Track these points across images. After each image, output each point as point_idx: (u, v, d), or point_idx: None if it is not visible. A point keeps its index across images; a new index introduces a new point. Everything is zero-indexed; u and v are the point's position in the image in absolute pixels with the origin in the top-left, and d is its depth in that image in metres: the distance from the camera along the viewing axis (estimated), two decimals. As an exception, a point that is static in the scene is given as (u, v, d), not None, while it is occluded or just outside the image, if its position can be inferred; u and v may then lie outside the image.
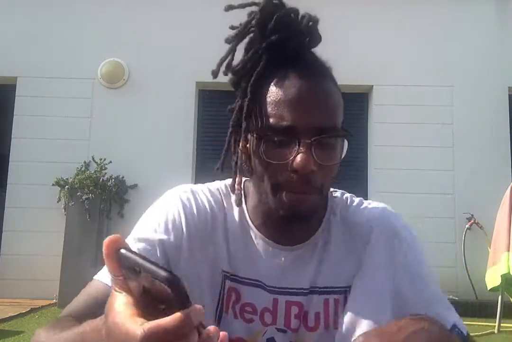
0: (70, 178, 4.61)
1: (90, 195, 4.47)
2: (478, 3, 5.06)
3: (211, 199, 0.87)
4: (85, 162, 4.77)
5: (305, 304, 0.82)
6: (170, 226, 0.82)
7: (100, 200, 4.52)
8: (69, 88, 4.94)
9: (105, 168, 4.68)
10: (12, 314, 3.90)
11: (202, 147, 5.04)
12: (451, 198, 4.74)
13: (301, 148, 0.73)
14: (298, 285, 0.82)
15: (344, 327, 0.79)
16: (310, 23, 0.83)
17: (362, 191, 4.96)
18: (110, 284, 0.64)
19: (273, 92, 0.77)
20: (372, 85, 4.94)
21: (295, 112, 0.75)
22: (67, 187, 4.56)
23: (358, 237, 0.84)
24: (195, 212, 0.85)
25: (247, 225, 0.85)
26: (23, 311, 4.05)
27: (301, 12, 0.86)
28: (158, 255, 0.79)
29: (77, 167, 4.70)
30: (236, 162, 0.83)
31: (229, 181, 0.87)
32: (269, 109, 0.76)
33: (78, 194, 4.48)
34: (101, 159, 4.71)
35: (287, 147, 0.75)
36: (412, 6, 5.05)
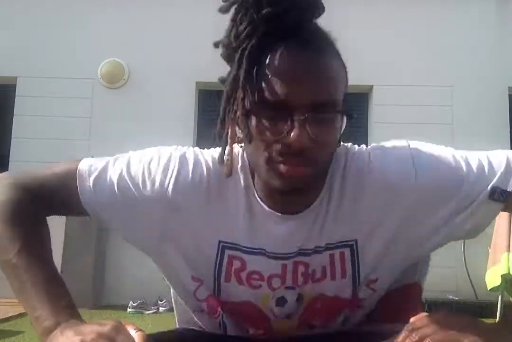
0: (70, 178, 4.61)
1: (90, 195, 4.47)
2: (478, 3, 5.06)
3: (212, 167, 0.86)
4: (85, 162, 4.77)
5: (311, 263, 0.85)
6: (170, 186, 0.83)
7: (100, 200, 4.52)
8: (69, 88, 4.94)
9: (105, 168, 4.68)
10: (12, 314, 3.90)
11: (202, 147, 5.02)
12: (451, 198, 4.74)
13: (294, 123, 0.72)
14: (303, 247, 0.84)
15: (362, 274, 0.85)
16: None
17: (362, 191, 4.97)
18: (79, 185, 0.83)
19: (267, 65, 0.73)
20: (372, 85, 4.94)
21: (288, 87, 0.72)
22: (67, 187, 4.56)
23: (357, 186, 0.84)
24: (196, 179, 0.84)
25: (248, 195, 0.84)
26: (23, 311, 4.04)
27: None
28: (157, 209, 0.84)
29: (77, 167, 4.70)
30: (227, 134, 0.81)
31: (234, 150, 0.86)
32: (262, 83, 0.73)
33: (78, 194, 4.48)
34: (101, 159, 4.71)
35: (281, 122, 0.73)
36: (412, 6, 5.05)
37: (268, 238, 0.83)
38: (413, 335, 0.67)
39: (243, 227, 0.84)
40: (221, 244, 0.84)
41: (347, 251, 0.85)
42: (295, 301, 0.86)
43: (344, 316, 0.90)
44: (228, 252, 0.85)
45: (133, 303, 4.30)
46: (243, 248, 0.84)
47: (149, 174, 0.84)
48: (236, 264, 0.85)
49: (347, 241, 0.85)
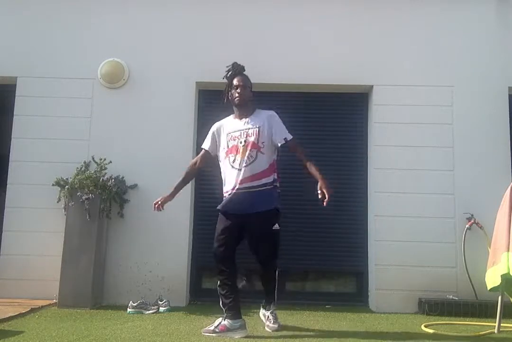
0: (70, 178, 4.61)
1: (90, 195, 4.47)
2: (478, 3, 5.06)
3: (225, 118, 3.77)
4: (85, 162, 4.77)
5: (249, 132, 3.54)
6: (214, 129, 3.74)
7: (100, 200, 4.52)
8: (69, 88, 4.94)
9: (105, 169, 4.68)
10: (12, 314, 3.90)
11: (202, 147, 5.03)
12: (451, 198, 4.74)
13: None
14: (247, 126, 3.56)
15: (264, 134, 3.52)
16: (242, 66, 3.69)
17: (362, 191, 4.97)
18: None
19: (231, 81, 3.65)
20: (372, 85, 4.95)
21: (236, 86, 3.63)
22: (67, 187, 4.56)
23: (262, 114, 3.60)
24: (217, 124, 3.75)
25: (232, 117, 3.69)
26: (23, 311, 4.05)
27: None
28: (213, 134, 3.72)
29: (77, 168, 4.70)
30: (228, 97, 3.66)
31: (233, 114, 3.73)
32: (231, 86, 3.65)
33: (78, 194, 4.49)
34: (101, 159, 4.71)
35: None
36: (412, 6, 5.06)
37: (236, 126, 3.61)
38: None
39: (230, 124, 3.65)
40: (226, 134, 3.62)
41: (257, 129, 3.52)
42: (244, 142, 3.51)
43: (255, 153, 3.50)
44: (228, 135, 3.62)
45: (133, 303, 4.30)
46: (231, 132, 3.60)
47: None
48: (230, 136, 3.59)
49: (257, 126, 3.52)
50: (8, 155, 4.90)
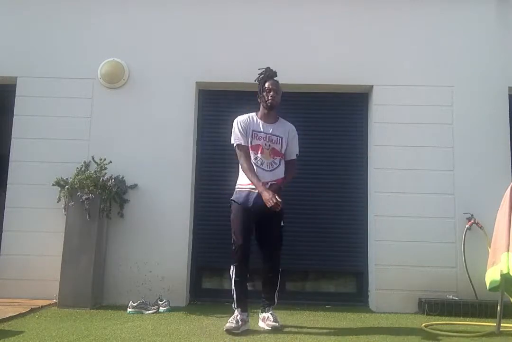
0: (70, 178, 4.61)
1: (90, 195, 4.47)
2: (478, 3, 5.06)
3: (248, 115, 3.82)
4: (85, 162, 4.77)
5: (274, 139, 3.73)
6: (242, 124, 3.76)
7: (100, 200, 4.52)
8: (69, 88, 4.94)
9: (105, 169, 4.68)
10: (12, 314, 3.90)
11: (202, 147, 5.04)
12: (451, 198, 4.74)
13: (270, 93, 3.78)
14: (273, 132, 3.73)
15: (284, 145, 3.77)
16: (275, 71, 3.86)
17: (362, 191, 4.97)
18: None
19: (263, 84, 3.81)
20: (372, 85, 4.95)
21: (269, 89, 3.77)
22: (67, 187, 4.56)
23: (287, 126, 3.83)
24: (243, 119, 3.79)
25: (255, 116, 3.81)
26: (23, 311, 4.05)
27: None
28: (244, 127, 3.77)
29: (77, 168, 4.70)
30: (260, 97, 3.80)
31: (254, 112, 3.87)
32: (263, 89, 3.79)
33: (78, 194, 4.48)
34: (101, 159, 4.71)
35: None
36: (412, 6, 5.06)
37: (263, 128, 3.76)
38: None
39: (257, 124, 3.77)
40: (252, 130, 3.73)
41: (281, 138, 3.75)
42: (268, 146, 3.71)
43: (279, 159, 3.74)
44: (253, 133, 3.73)
45: (133, 303, 4.30)
46: (257, 132, 3.73)
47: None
48: (256, 135, 3.72)
49: (282, 136, 3.77)
50: (8, 155, 4.90)
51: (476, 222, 4.62)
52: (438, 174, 4.77)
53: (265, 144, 3.69)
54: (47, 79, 4.96)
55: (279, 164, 3.71)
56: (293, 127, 3.84)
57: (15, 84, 4.97)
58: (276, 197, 3.47)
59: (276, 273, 3.75)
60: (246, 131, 3.71)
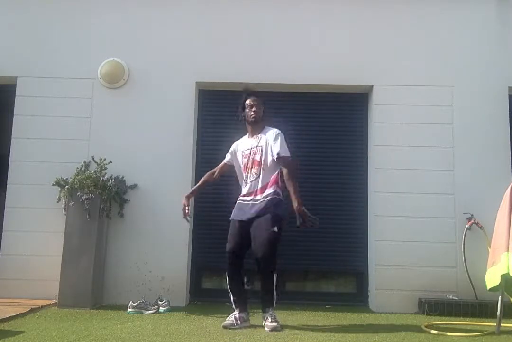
0: (70, 178, 4.61)
1: (90, 195, 4.47)
2: (478, 3, 5.06)
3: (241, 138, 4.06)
4: (85, 162, 4.77)
5: (257, 150, 3.84)
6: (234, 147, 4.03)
7: (100, 200, 4.52)
8: (69, 88, 4.94)
9: (105, 169, 4.68)
10: (12, 314, 3.90)
11: (202, 147, 5.04)
12: (451, 198, 4.74)
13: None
14: (255, 144, 3.86)
15: (264, 153, 3.81)
16: (251, 85, 4.13)
17: (362, 191, 4.97)
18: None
19: (244, 102, 3.94)
20: (372, 85, 4.95)
21: (250, 105, 3.90)
22: (67, 187, 4.56)
23: (268, 132, 3.87)
24: (236, 142, 4.03)
25: (247, 135, 3.99)
26: (23, 311, 4.05)
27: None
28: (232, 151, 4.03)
29: (77, 168, 4.70)
30: (243, 117, 3.94)
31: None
32: (244, 106, 3.94)
33: (78, 194, 4.48)
34: (101, 159, 4.71)
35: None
36: (412, 6, 5.06)
37: (247, 144, 3.92)
38: None
39: (243, 143, 3.97)
40: (241, 151, 3.94)
41: (261, 148, 3.83)
42: (252, 159, 3.85)
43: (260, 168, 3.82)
44: (242, 152, 3.94)
45: (133, 303, 4.30)
46: (243, 150, 3.93)
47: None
48: (243, 154, 3.92)
49: (261, 145, 3.84)
50: (8, 155, 4.90)
51: (476, 222, 4.62)
52: (438, 173, 4.77)
53: (250, 159, 3.85)
54: (47, 79, 4.96)
55: (259, 174, 3.79)
56: (272, 131, 3.84)
57: (15, 84, 4.97)
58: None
59: (267, 280, 3.65)
60: (235, 154, 3.98)
